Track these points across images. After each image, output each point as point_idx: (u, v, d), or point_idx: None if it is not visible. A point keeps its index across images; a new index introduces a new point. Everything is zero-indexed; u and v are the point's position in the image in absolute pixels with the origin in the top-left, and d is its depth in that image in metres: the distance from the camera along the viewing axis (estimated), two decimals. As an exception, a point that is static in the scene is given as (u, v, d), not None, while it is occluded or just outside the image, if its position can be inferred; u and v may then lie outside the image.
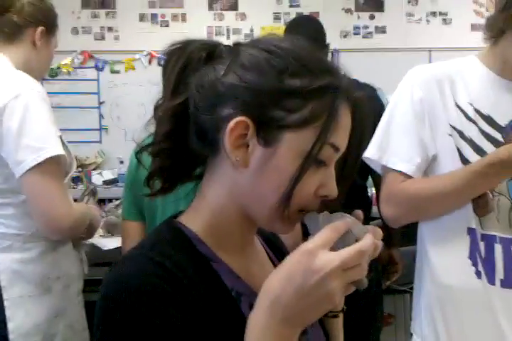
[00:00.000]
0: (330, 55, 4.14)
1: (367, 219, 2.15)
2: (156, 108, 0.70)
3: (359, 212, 0.67)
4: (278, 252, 0.84)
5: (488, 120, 1.22)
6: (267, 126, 0.64)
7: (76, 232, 1.47)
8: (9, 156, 1.33)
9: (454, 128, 1.22)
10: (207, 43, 0.69)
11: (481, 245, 1.20)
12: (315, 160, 0.64)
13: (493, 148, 1.20)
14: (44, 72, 1.65)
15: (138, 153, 0.70)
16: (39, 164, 1.30)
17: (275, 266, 0.78)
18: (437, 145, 1.23)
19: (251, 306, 0.61)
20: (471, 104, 1.23)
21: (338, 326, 0.83)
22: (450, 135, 1.22)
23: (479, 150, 1.21)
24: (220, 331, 0.63)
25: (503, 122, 1.22)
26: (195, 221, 0.70)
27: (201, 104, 0.66)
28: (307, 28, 2.13)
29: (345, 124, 0.66)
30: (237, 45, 0.69)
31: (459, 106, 1.23)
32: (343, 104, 0.65)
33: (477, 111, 1.22)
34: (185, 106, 0.67)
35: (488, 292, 1.19)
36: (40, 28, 1.50)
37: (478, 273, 1.20)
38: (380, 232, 0.65)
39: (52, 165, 1.33)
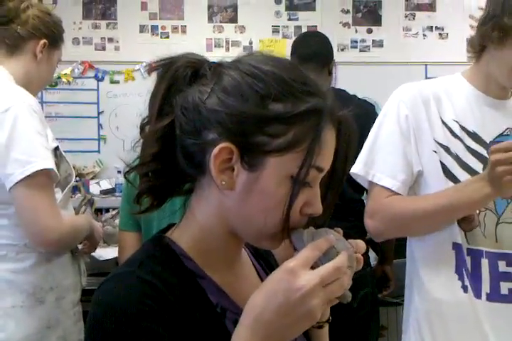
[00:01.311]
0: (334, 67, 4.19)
1: (364, 233, 2.16)
2: (142, 127, 0.71)
3: (338, 229, 0.68)
4: (267, 265, 0.85)
5: (474, 137, 1.25)
6: (251, 151, 0.65)
7: (66, 245, 1.47)
8: (0, 169, 1.34)
9: (440, 144, 1.24)
10: (192, 61, 0.70)
11: (468, 259, 1.22)
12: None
13: (480, 165, 1.22)
14: (43, 85, 1.66)
15: (127, 173, 0.72)
16: (26, 177, 1.31)
17: (262, 280, 0.79)
18: (423, 162, 1.25)
19: (236, 322, 0.63)
20: (456, 121, 1.25)
21: (323, 337, 0.84)
22: (435, 151, 1.24)
23: (465, 166, 1.23)
24: None
25: (488, 139, 1.25)
26: (183, 237, 0.72)
27: (186, 127, 0.67)
28: (314, 44, 2.16)
29: (330, 145, 0.67)
30: (220, 65, 0.69)
31: (444, 123, 1.25)
32: (328, 125, 0.66)
33: (463, 128, 1.25)
34: (172, 127, 0.68)
35: (475, 305, 1.21)
36: (42, 41, 1.52)
37: (464, 287, 1.22)
38: (362, 246, 0.67)
39: (41, 178, 1.33)
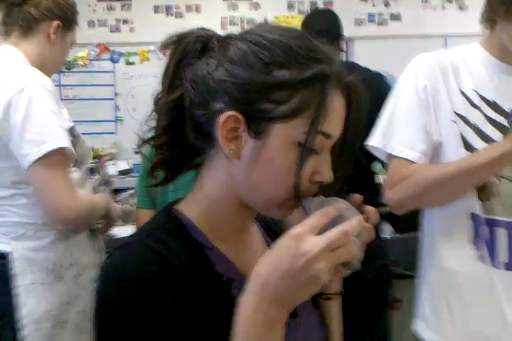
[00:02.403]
0: (344, 42, 4.12)
1: (377, 205, 2.15)
2: (156, 102, 0.72)
3: (356, 197, 0.68)
4: (277, 237, 0.85)
5: (493, 105, 1.22)
6: (256, 118, 0.65)
7: (83, 222, 1.49)
8: (16, 150, 1.36)
9: (459, 114, 1.22)
10: (202, 36, 0.70)
11: (485, 229, 1.20)
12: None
13: (499, 134, 1.20)
14: (58, 67, 1.66)
15: (140, 146, 0.72)
16: (42, 156, 1.32)
17: None
18: (441, 132, 1.23)
19: (242, 291, 0.63)
20: (475, 91, 1.23)
21: (333, 309, 0.84)
22: (454, 121, 1.22)
23: (484, 136, 1.20)
24: (211, 314, 0.65)
25: (507, 107, 1.22)
26: (192, 209, 0.72)
27: (195, 100, 0.68)
28: (321, 21, 2.16)
29: (337, 111, 0.67)
30: (227, 37, 0.69)
31: (463, 93, 1.23)
32: (334, 91, 0.65)
33: (482, 97, 1.22)
34: (182, 100, 0.69)
35: (491, 275, 1.20)
36: (55, 22, 1.52)
37: (481, 257, 1.21)
38: (375, 215, 0.67)
39: (56, 157, 1.35)
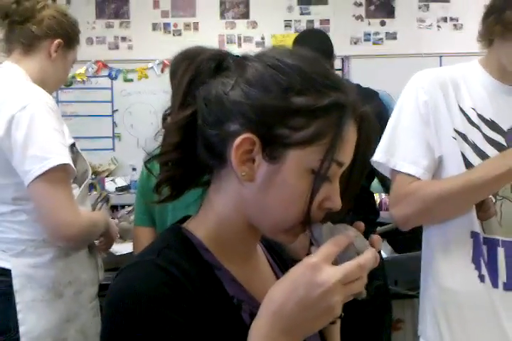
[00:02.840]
0: (341, 61, 4.19)
1: (374, 224, 2.15)
2: (164, 118, 0.71)
3: (360, 224, 0.68)
4: (280, 259, 0.85)
5: (491, 125, 1.23)
6: (272, 143, 0.64)
7: (84, 239, 1.49)
8: (18, 166, 1.36)
9: (458, 131, 1.23)
10: (216, 54, 0.70)
11: (484, 249, 1.20)
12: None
13: (496, 152, 1.21)
14: (59, 84, 1.67)
15: (147, 162, 0.72)
16: (44, 173, 1.32)
17: (275, 274, 0.80)
18: (442, 148, 1.24)
19: (251, 314, 0.64)
20: (473, 109, 1.24)
21: (335, 332, 0.84)
22: (454, 138, 1.23)
23: (482, 155, 1.21)
24: (222, 337, 0.64)
25: (505, 127, 1.23)
26: (201, 228, 0.71)
27: (208, 119, 0.67)
28: (314, 40, 2.21)
29: (351, 140, 0.67)
30: (244, 58, 0.69)
31: (462, 110, 1.24)
32: (349, 120, 0.66)
33: (480, 116, 1.23)
34: (194, 118, 0.68)
35: (491, 295, 1.20)
36: (57, 40, 1.52)
37: (481, 277, 1.21)
38: (379, 242, 0.66)
39: (58, 174, 1.35)
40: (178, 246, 0.69)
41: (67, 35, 1.56)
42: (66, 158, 1.37)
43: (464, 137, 1.22)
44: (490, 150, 1.21)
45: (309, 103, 0.64)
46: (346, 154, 0.67)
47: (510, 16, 1.16)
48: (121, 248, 2.05)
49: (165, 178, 0.72)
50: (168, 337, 0.60)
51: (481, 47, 1.26)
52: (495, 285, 1.19)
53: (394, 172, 1.27)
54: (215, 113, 0.66)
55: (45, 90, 1.48)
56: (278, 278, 0.77)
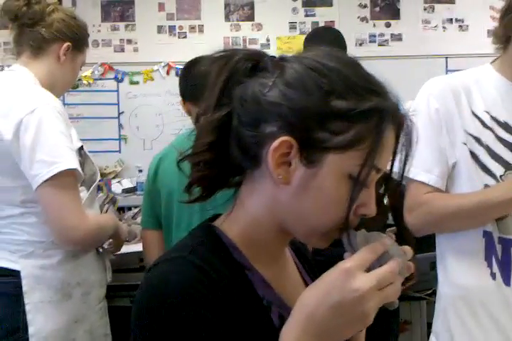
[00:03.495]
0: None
1: (384, 226, 2.15)
2: (197, 118, 0.70)
3: (391, 234, 0.67)
4: (306, 262, 0.85)
5: (505, 126, 1.24)
6: (310, 146, 0.64)
7: (91, 243, 1.51)
8: (26, 170, 1.38)
9: (471, 135, 1.24)
10: (252, 54, 0.69)
11: (498, 248, 1.22)
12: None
13: (510, 153, 1.22)
14: (67, 87, 1.68)
15: (180, 161, 0.71)
16: (52, 177, 1.34)
17: (302, 277, 0.80)
18: (456, 154, 1.25)
19: (280, 316, 0.64)
20: (487, 112, 1.25)
21: (361, 339, 0.83)
22: (465, 143, 1.24)
23: (496, 156, 1.22)
24: (250, 338, 0.64)
25: None
26: (232, 228, 0.71)
27: (244, 119, 0.66)
28: (328, 37, 2.18)
29: (390, 146, 0.67)
30: (282, 59, 0.69)
31: (475, 115, 1.25)
32: (389, 125, 0.65)
33: (494, 119, 1.24)
34: (228, 118, 0.67)
35: (503, 292, 1.21)
36: (66, 44, 1.54)
37: (493, 275, 1.22)
38: (411, 252, 0.66)
39: (66, 178, 1.37)
40: (210, 244, 0.68)
41: (76, 38, 1.58)
42: (74, 163, 1.39)
43: (478, 140, 1.23)
44: (503, 152, 1.22)
45: (350, 107, 0.63)
46: (384, 160, 0.66)
47: None
48: (127, 249, 2.05)
49: (196, 178, 0.71)
50: (200, 335, 0.60)
51: (496, 49, 1.26)
52: (507, 283, 1.20)
53: (408, 180, 1.27)
54: (251, 113, 0.66)
55: (54, 93, 1.49)
56: (305, 281, 0.79)
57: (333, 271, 0.60)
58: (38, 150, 1.35)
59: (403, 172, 0.70)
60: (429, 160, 1.25)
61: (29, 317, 1.40)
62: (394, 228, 2.26)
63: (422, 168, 1.25)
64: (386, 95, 0.66)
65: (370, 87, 0.65)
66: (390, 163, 0.70)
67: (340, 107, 0.63)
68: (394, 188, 0.71)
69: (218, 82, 0.68)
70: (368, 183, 0.65)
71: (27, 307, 1.40)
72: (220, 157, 0.69)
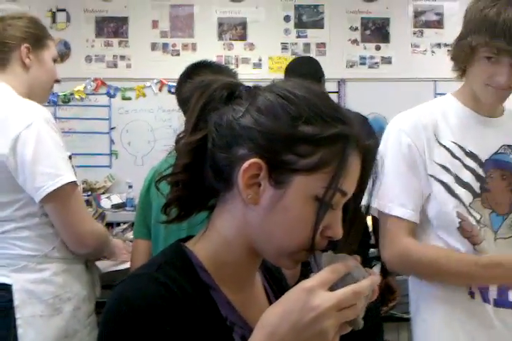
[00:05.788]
0: (336, 84, 4.25)
1: (367, 246, 2.16)
2: (178, 141, 0.74)
3: (357, 257, 0.69)
4: (276, 283, 0.86)
5: (472, 156, 1.27)
6: (279, 168, 0.67)
7: (103, 248, 1.57)
8: (26, 183, 1.39)
9: (440, 165, 1.27)
10: (229, 83, 0.74)
11: None
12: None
13: (476, 182, 1.26)
14: (47, 88, 1.60)
15: (157, 181, 0.74)
16: (57, 189, 1.37)
17: (269, 298, 0.82)
18: (430, 185, 1.27)
19: (242, 337, 0.65)
20: (454, 143, 1.28)
21: None
22: (436, 173, 1.27)
23: (464, 184, 1.25)
24: None
25: (484, 157, 1.28)
26: (202, 248, 0.73)
27: (218, 142, 0.70)
28: (302, 67, 2.48)
29: (354, 171, 0.70)
30: (255, 88, 0.73)
31: (443, 146, 1.28)
32: (353, 151, 0.69)
33: (461, 148, 1.28)
34: (205, 142, 0.71)
35: (483, 307, 1.23)
36: (23, 46, 1.48)
37: (471, 293, 1.25)
38: (378, 278, 0.68)
39: (68, 190, 1.40)
40: (178, 263, 0.70)
41: (32, 36, 1.52)
42: (74, 176, 1.43)
43: (447, 169, 1.26)
44: (471, 180, 1.25)
45: (315, 132, 0.67)
46: (349, 184, 0.69)
47: (470, 41, 1.21)
48: (108, 265, 2.03)
49: (174, 198, 0.74)
50: None
51: (456, 78, 1.31)
52: (485, 300, 1.23)
53: (382, 214, 1.30)
54: (225, 137, 0.69)
55: (37, 98, 1.48)
56: (271, 303, 0.80)
57: (294, 289, 0.62)
58: (39, 163, 1.37)
59: (370, 202, 0.73)
60: (403, 195, 1.28)
61: (20, 331, 1.40)
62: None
63: (395, 202, 1.28)
64: (350, 123, 0.70)
65: (336, 115, 0.69)
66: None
67: (307, 132, 0.67)
68: (362, 214, 0.74)
69: (196, 108, 0.72)
70: (334, 205, 0.68)
71: (18, 322, 1.40)
72: (195, 179, 0.73)
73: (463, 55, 1.24)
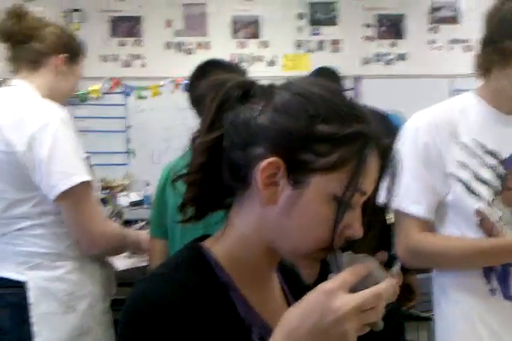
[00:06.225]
0: (353, 80, 4.24)
1: (389, 244, 2.15)
2: (193, 140, 0.74)
3: (383, 254, 0.68)
4: (295, 285, 0.85)
5: (492, 154, 1.26)
6: (297, 167, 0.66)
7: (116, 248, 1.57)
8: (42, 181, 1.41)
9: (459, 162, 1.27)
10: (243, 81, 0.73)
11: (498, 266, 1.24)
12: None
13: (497, 179, 1.25)
14: (65, 98, 1.69)
15: (174, 181, 0.74)
16: (72, 187, 1.39)
17: (287, 300, 0.81)
18: (448, 183, 1.27)
19: (261, 338, 0.65)
20: (475, 140, 1.27)
21: None
22: (455, 171, 1.26)
23: (484, 182, 1.24)
24: None
25: (505, 155, 1.26)
26: (219, 248, 0.73)
27: (235, 141, 0.69)
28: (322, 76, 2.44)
29: (373, 170, 0.69)
30: (271, 86, 0.72)
31: (463, 143, 1.27)
32: (372, 150, 0.68)
33: (481, 146, 1.27)
34: (220, 141, 0.71)
35: (503, 304, 1.23)
36: (62, 56, 1.57)
37: (492, 291, 1.24)
38: (400, 277, 0.67)
39: (82, 189, 1.42)
40: (195, 263, 0.70)
41: (72, 50, 1.61)
42: (89, 175, 1.44)
43: (466, 167, 1.26)
44: (490, 177, 1.24)
45: (334, 131, 0.66)
46: (368, 183, 0.68)
47: (508, 46, 1.20)
48: (122, 263, 2.04)
49: (190, 198, 0.74)
50: None
51: (478, 77, 1.29)
52: (506, 297, 1.22)
53: (398, 212, 1.30)
54: (241, 136, 0.69)
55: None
56: (289, 304, 0.79)
57: (315, 291, 0.61)
58: (55, 163, 1.39)
59: (389, 200, 0.72)
60: (418, 193, 1.28)
61: (35, 328, 1.41)
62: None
63: (411, 200, 1.28)
64: (369, 122, 0.69)
65: (354, 113, 0.68)
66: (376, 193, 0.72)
67: (325, 131, 0.66)
68: (380, 213, 0.73)
69: (211, 108, 0.71)
70: (353, 205, 0.68)
71: (33, 319, 1.41)
72: (212, 178, 0.72)
73: (496, 59, 1.22)
